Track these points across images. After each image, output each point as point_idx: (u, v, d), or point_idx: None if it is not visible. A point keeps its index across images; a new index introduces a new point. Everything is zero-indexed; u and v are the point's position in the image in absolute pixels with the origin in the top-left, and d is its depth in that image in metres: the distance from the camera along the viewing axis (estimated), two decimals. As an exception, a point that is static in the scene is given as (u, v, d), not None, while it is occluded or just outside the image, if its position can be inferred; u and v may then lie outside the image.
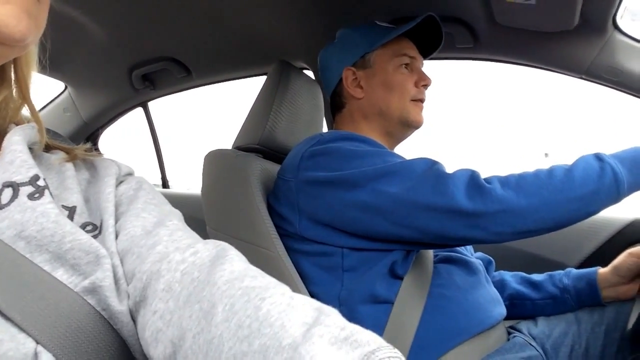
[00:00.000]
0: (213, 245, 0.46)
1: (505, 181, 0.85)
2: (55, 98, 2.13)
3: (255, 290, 0.38)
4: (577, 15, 1.10)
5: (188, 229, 0.51)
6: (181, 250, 0.44)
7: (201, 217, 1.21)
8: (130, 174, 0.57)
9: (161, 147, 2.36)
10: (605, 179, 0.83)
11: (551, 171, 0.85)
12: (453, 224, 0.85)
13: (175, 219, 0.51)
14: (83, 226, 0.46)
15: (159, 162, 2.38)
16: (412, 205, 0.87)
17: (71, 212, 0.47)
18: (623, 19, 1.13)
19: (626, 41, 1.16)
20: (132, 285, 0.44)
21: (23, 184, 0.43)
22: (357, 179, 0.91)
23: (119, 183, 0.54)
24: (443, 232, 0.87)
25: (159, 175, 2.44)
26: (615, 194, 0.84)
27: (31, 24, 0.41)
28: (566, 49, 1.23)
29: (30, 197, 0.43)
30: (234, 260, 0.43)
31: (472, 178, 0.87)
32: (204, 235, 1.14)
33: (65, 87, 2.09)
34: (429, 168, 0.90)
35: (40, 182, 0.44)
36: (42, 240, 0.41)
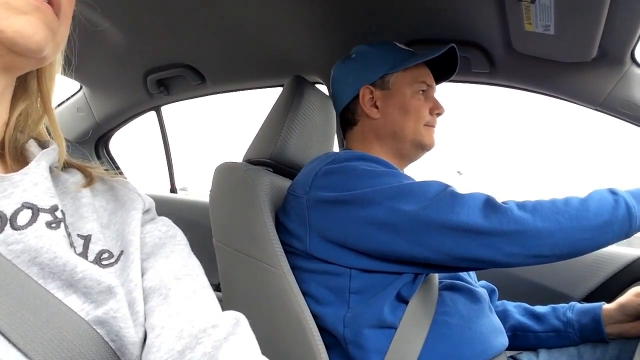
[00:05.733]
0: (230, 321, 0.47)
1: (522, 205, 0.86)
2: (70, 97, 2.15)
3: None
4: (595, 47, 1.10)
5: (209, 285, 0.53)
6: (204, 321, 0.46)
7: (209, 224, 1.20)
8: (151, 208, 0.57)
9: (171, 153, 2.37)
10: (618, 211, 0.84)
11: (567, 200, 0.87)
12: (467, 243, 0.85)
13: (202, 273, 0.53)
14: (99, 254, 0.47)
15: (168, 167, 2.38)
16: (427, 223, 0.87)
17: (86, 240, 0.47)
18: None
19: (643, 76, 1.15)
20: (153, 334, 0.45)
21: (44, 210, 0.43)
22: (372, 196, 0.91)
23: (147, 221, 0.55)
24: (456, 251, 0.86)
25: (168, 180, 2.44)
26: (628, 228, 0.85)
27: (48, 36, 0.42)
28: (583, 80, 1.23)
29: (48, 225, 0.43)
30: (239, 346, 0.45)
31: (488, 199, 0.88)
32: (210, 243, 1.15)
33: (81, 87, 2.11)
34: (444, 189, 0.91)
35: (58, 214, 0.44)
36: (55, 268, 0.41)
